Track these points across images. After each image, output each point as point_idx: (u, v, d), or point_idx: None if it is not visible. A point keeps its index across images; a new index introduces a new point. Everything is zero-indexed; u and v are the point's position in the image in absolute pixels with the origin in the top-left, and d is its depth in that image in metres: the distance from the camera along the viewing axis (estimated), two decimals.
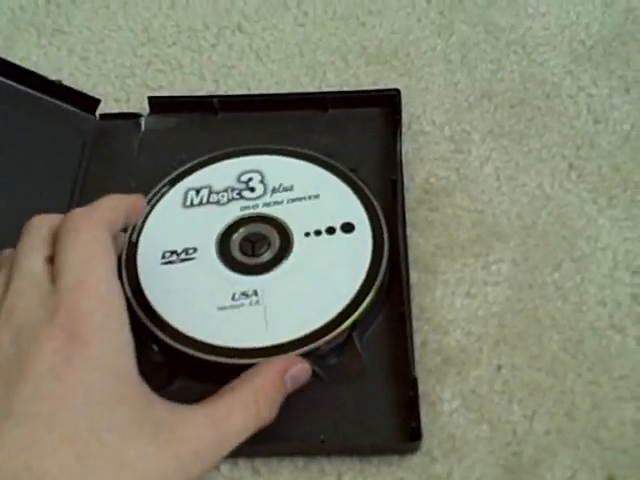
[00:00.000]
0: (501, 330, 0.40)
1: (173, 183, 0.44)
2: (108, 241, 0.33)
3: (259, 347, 0.37)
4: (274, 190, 0.43)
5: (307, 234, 0.41)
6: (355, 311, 0.38)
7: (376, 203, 0.42)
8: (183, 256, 0.41)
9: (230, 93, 0.51)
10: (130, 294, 0.39)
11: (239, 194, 0.43)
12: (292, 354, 0.37)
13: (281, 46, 0.54)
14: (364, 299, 0.39)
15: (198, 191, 0.43)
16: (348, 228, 0.41)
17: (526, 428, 0.37)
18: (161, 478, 0.29)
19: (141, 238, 0.42)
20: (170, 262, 0.41)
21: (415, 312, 0.40)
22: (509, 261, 0.42)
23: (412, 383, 0.37)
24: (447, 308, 0.41)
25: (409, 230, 0.43)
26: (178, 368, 0.39)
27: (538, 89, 0.50)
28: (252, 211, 0.42)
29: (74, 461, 0.28)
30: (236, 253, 0.41)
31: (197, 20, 0.55)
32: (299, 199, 0.42)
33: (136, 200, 0.38)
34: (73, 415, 0.29)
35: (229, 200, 0.43)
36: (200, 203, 0.43)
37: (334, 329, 0.38)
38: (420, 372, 0.39)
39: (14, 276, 0.32)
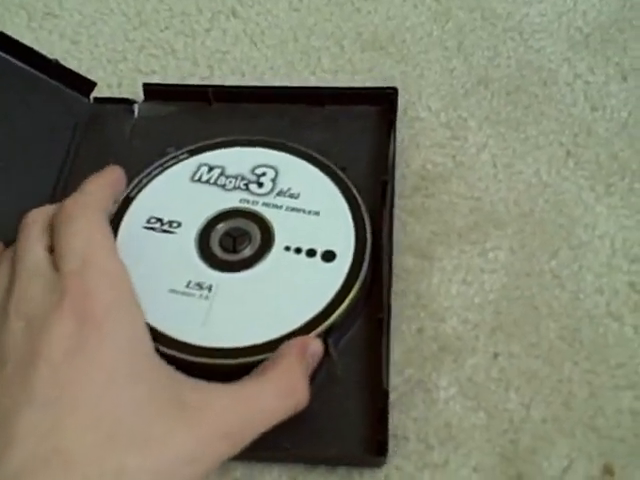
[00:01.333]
0: (498, 317, 0.40)
1: (192, 153, 0.44)
2: (104, 222, 0.34)
3: (192, 343, 0.37)
4: (280, 192, 0.42)
5: (287, 248, 0.40)
6: (330, 316, 0.37)
7: (369, 231, 0.40)
8: (166, 227, 0.41)
9: (224, 78, 0.50)
10: None
11: (246, 185, 0.42)
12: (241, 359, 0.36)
13: (275, 31, 0.53)
14: (340, 304, 0.37)
15: (211, 169, 0.43)
16: (329, 257, 0.39)
17: (523, 416, 0.37)
18: (190, 456, 0.29)
19: (139, 196, 0.42)
20: (152, 229, 0.41)
21: (411, 299, 0.40)
22: (506, 248, 0.42)
23: (383, 395, 0.35)
24: (444, 295, 0.40)
25: (405, 216, 0.43)
26: None
27: (535, 76, 0.49)
28: (249, 206, 0.41)
29: (101, 441, 0.28)
30: (214, 243, 0.40)
31: (190, 4, 0.54)
32: (298, 210, 0.41)
33: (115, 172, 0.38)
34: (94, 397, 0.28)
35: (234, 188, 0.42)
36: (207, 181, 0.42)
37: (306, 334, 0.36)
38: (416, 359, 0.38)
39: (18, 269, 0.32)
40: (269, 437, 0.33)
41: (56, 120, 0.46)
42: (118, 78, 0.51)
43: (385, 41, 0.52)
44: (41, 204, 0.37)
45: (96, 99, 0.48)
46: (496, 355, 0.38)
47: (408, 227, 0.43)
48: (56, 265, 0.32)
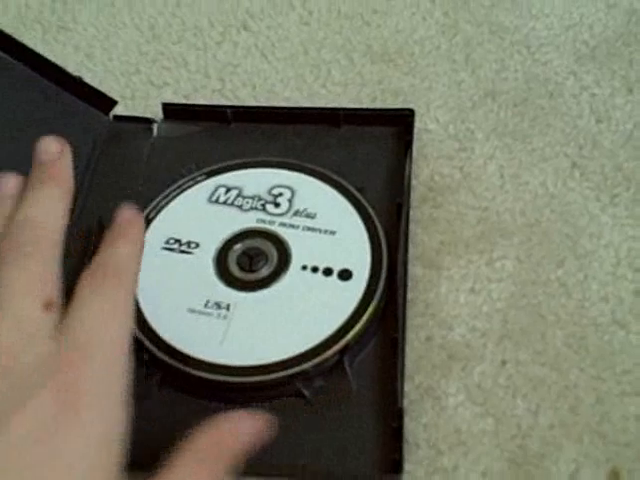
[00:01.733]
0: (505, 326, 0.40)
1: (209, 175, 0.45)
2: (131, 302, 0.31)
3: (210, 361, 0.38)
4: (296, 212, 0.43)
5: (304, 267, 0.41)
6: (346, 335, 0.38)
7: (385, 251, 0.41)
8: (184, 248, 0.42)
9: (235, 91, 0.51)
10: None
11: (263, 206, 0.43)
12: (251, 378, 0.37)
13: (286, 44, 0.54)
14: (356, 323, 0.38)
15: (228, 190, 0.44)
16: (346, 276, 0.40)
17: (531, 422, 0.37)
18: None
19: (157, 217, 0.43)
20: (170, 249, 0.42)
21: (420, 308, 0.41)
22: (513, 258, 0.43)
23: (398, 414, 0.36)
24: (451, 304, 0.41)
25: (413, 227, 0.44)
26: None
27: (542, 88, 0.50)
28: (266, 226, 0.42)
29: None
30: (231, 263, 0.41)
31: (203, 18, 0.55)
32: (315, 230, 0.42)
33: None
34: None
35: (251, 208, 0.43)
36: (224, 202, 0.43)
37: (323, 352, 0.38)
38: (425, 366, 0.39)
39: (4, 315, 0.29)
40: (284, 453, 0.35)
41: (75, 136, 0.47)
42: (131, 90, 0.52)
43: (394, 54, 0.52)
44: None
45: (115, 117, 0.49)
46: (504, 362, 0.39)
47: (416, 237, 0.44)
48: (55, 324, 0.29)
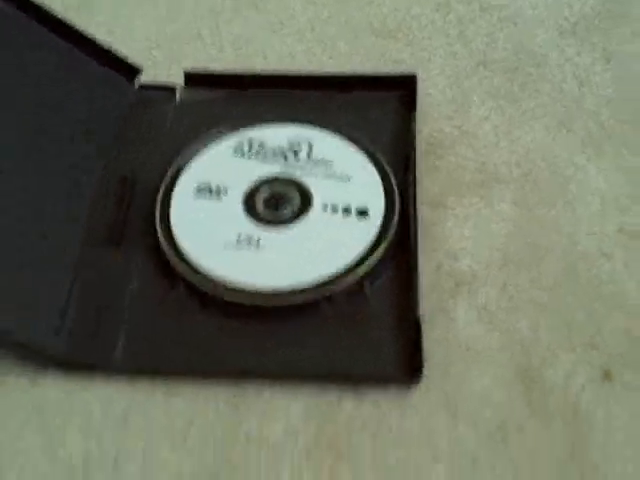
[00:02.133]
0: (505, 257, 0.45)
1: (233, 130, 0.49)
2: None
3: (245, 289, 0.42)
4: (315, 162, 0.47)
5: (324, 208, 0.45)
6: (365, 262, 0.43)
7: (397, 191, 0.46)
8: (214, 193, 0.46)
9: (248, 63, 0.56)
10: (159, 214, 0.45)
11: (284, 156, 0.48)
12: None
13: (293, 22, 0.59)
14: (374, 252, 0.43)
15: (251, 144, 0.48)
16: (363, 214, 0.45)
17: (531, 337, 0.42)
18: None
19: (187, 167, 0.47)
20: (202, 195, 0.46)
21: (429, 242, 0.45)
22: (509, 202, 0.47)
23: (416, 326, 0.41)
24: (457, 238, 0.46)
25: (419, 175, 0.48)
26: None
27: (529, 59, 0.55)
28: (288, 173, 0.47)
29: None
30: (259, 204, 0.46)
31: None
32: (332, 176, 0.47)
33: None
34: None
35: (273, 159, 0.47)
36: (249, 154, 0.48)
37: (345, 278, 0.42)
38: (436, 292, 0.43)
39: None
40: (304, 359, 0.40)
41: (103, 104, 0.51)
42: (153, 63, 0.56)
43: (394, 29, 0.57)
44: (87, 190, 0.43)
45: (141, 86, 0.52)
46: (505, 286, 0.44)
47: (422, 184, 0.48)
48: None
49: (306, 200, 0.46)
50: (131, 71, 0.53)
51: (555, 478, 0.37)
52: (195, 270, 0.43)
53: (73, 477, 0.38)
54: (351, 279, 0.42)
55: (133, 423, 0.40)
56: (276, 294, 0.42)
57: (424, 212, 0.47)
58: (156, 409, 0.40)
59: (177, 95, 0.53)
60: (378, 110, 0.51)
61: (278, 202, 0.45)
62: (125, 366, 0.41)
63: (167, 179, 0.47)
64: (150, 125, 0.51)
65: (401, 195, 0.46)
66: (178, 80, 0.53)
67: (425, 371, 0.40)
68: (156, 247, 0.45)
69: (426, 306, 0.43)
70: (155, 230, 0.45)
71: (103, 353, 0.41)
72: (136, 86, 0.53)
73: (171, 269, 0.44)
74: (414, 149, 0.48)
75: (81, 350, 0.41)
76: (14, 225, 0.42)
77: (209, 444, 0.39)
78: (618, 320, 0.42)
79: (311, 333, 0.41)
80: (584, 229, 0.46)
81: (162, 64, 0.56)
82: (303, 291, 0.42)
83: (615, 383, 0.40)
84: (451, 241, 0.46)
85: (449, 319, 0.42)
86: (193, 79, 0.53)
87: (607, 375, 0.40)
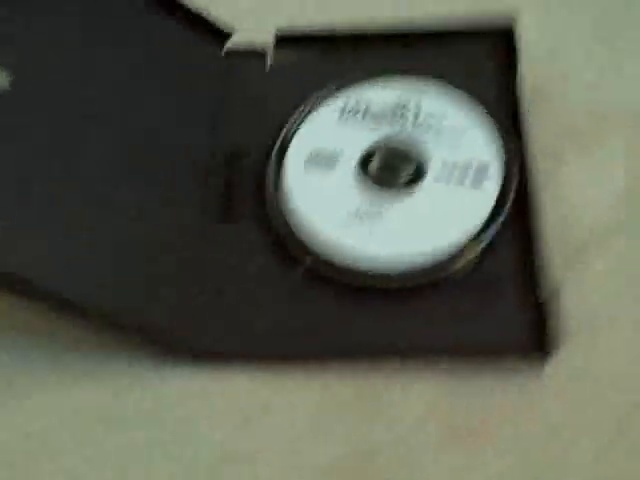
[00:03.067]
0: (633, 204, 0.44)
1: (336, 90, 0.47)
2: None
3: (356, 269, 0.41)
4: (425, 120, 0.45)
5: (444, 165, 0.43)
6: (487, 231, 0.41)
7: (514, 146, 0.44)
8: (326, 163, 0.45)
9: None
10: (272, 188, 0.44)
11: (392, 117, 0.46)
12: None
13: None
14: (493, 222, 0.41)
15: (356, 105, 0.47)
16: (480, 177, 0.43)
17: None
18: None
19: (297, 133, 0.46)
20: (313, 166, 0.45)
21: (548, 197, 0.43)
22: (626, 143, 0.46)
23: (544, 291, 0.39)
24: (577, 190, 0.44)
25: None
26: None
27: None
28: (399, 134, 0.45)
29: None
30: (371, 175, 0.44)
31: None
32: (445, 134, 0.45)
33: None
34: None
35: (382, 120, 0.46)
36: (355, 115, 0.46)
37: (463, 254, 0.41)
38: (562, 253, 0.42)
39: None
40: (434, 337, 0.39)
41: (192, 71, 0.49)
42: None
43: None
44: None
45: (227, 52, 0.51)
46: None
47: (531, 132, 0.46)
48: None
49: (421, 163, 0.44)
50: (221, 36, 0.51)
51: None
52: (314, 248, 0.42)
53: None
54: (473, 247, 0.41)
55: (274, 413, 0.39)
56: (399, 274, 0.41)
57: (538, 164, 0.45)
58: (294, 396, 0.40)
59: (268, 59, 0.51)
60: (479, 59, 0.49)
61: (394, 167, 0.44)
62: (257, 352, 0.41)
63: (275, 152, 0.46)
64: (244, 95, 0.50)
65: (518, 150, 0.44)
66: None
67: (558, 342, 0.39)
68: (270, 225, 0.44)
69: (553, 270, 0.41)
70: (268, 206, 0.44)
71: (232, 337, 0.41)
72: (223, 51, 0.51)
73: (289, 249, 0.43)
74: (522, 98, 0.46)
75: (206, 335, 0.41)
76: (133, 208, 0.42)
77: (348, 429, 0.39)
78: None
79: (438, 311, 0.40)
80: None
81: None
82: (423, 272, 0.41)
83: None
84: (572, 195, 0.44)
85: (579, 283, 0.41)
86: (284, 40, 0.51)
87: None
